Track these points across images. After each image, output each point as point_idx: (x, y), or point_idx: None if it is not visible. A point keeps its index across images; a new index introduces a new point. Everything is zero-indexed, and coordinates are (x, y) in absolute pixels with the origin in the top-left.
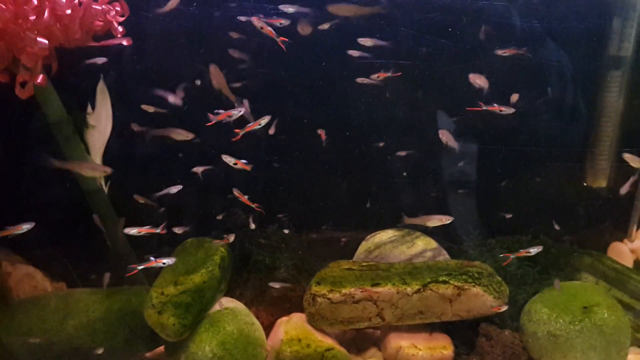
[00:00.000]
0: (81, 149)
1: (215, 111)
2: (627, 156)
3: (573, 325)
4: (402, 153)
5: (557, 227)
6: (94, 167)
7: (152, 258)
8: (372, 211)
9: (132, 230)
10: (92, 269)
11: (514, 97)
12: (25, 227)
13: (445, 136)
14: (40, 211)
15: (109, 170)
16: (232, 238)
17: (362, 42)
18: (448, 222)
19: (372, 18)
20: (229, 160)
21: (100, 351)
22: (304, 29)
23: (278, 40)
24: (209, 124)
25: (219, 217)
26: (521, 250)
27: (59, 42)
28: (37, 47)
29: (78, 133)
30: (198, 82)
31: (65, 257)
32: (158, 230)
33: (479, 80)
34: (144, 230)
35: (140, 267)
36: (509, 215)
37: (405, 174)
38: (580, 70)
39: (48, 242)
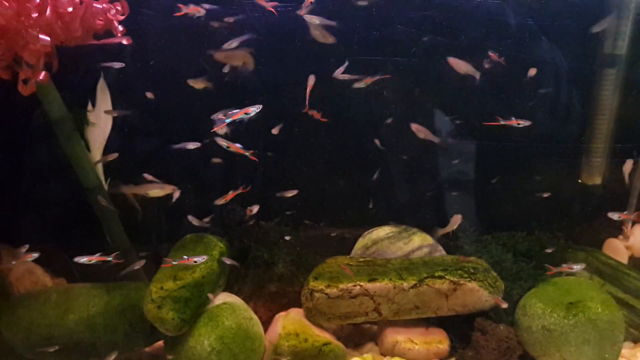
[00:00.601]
0: (82, 146)
1: (229, 113)
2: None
3: (567, 319)
4: (377, 142)
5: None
6: (162, 187)
7: (185, 257)
8: (369, 208)
9: (83, 259)
10: (92, 264)
11: (532, 72)
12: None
13: (422, 131)
14: (40, 207)
15: (175, 189)
16: (255, 209)
17: (308, 20)
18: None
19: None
20: (222, 143)
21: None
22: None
23: (268, 6)
24: (220, 126)
25: (206, 220)
26: (564, 266)
27: (60, 40)
28: (39, 44)
29: (79, 130)
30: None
31: (66, 253)
32: (110, 259)
33: (463, 67)
34: (95, 258)
35: (174, 263)
36: (546, 195)
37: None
38: (576, 68)
39: (48, 238)
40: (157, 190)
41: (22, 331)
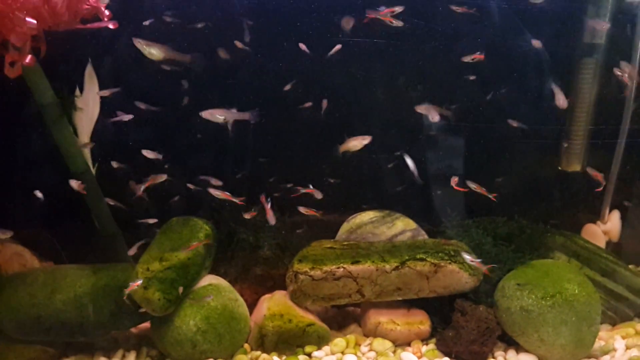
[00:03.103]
0: (69, 131)
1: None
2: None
3: (545, 300)
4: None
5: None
6: (361, 139)
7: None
8: (354, 193)
9: None
10: (80, 248)
11: (466, 58)
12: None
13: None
14: (29, 192)
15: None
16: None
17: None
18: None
19: None
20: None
21: None
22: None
23: None
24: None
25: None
26: None
27: (47, 24)
28: (25, 26)
29: (66, 116)
30: None
31: (54, 237)
32: None
33: None
34: None
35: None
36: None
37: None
38: (555, 57)
39: (37, 221)
40: (355, 143)
41: (9, 311)
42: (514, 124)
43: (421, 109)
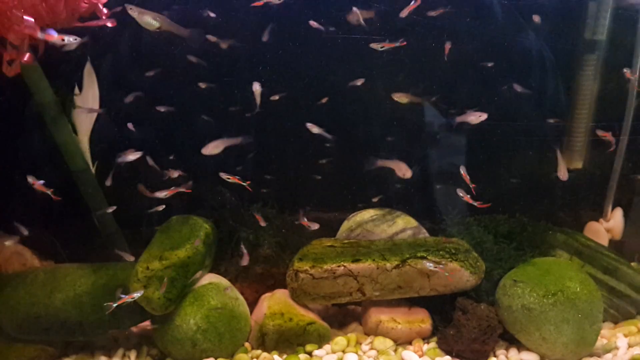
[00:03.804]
0: (69, 129)
1: None
2: None
3: (546, 299)
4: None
5: None
6: (398, 165)
7: None
8: (354, 191)
9: None
10: (80, 247)
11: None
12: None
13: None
14: (29, 191)
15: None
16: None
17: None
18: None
19: None
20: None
21: None
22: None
23: None
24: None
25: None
26: None
27: (45, 22)
28: (23, 25)
29: (65, 114)
30: None
31: (54, 236)
32: None
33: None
34: None
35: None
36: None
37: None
38: (557, 54)
39: (37, 220)
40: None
41: (9, 310)
42: (519, 88)
43: (398, 96)
